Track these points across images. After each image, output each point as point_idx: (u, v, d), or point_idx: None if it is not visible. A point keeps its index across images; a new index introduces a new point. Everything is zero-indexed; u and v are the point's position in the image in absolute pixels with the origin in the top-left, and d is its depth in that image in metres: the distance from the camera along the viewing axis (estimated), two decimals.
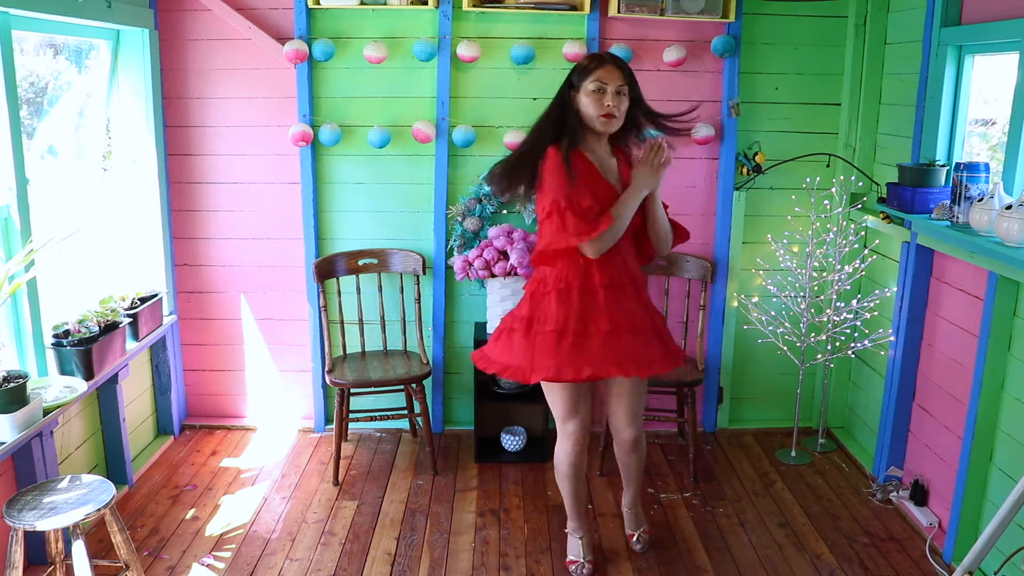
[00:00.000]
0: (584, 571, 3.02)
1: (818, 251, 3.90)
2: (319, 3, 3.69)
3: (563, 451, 2.95)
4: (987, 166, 3.03)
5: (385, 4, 3.70)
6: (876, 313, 3.82)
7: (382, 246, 4.03)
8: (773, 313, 4.02)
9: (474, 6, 3.69)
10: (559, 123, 2.74)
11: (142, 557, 3.08)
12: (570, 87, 2.75)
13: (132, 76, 3.71)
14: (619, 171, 2.82)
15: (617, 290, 2.76)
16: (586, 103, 2.69)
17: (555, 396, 2.89)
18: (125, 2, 3.45)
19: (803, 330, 3.90)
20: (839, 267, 3.83)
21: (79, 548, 2.49)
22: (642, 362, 2.78)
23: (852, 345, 3.89)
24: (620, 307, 2.76)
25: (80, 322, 3.11)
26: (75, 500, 2.54)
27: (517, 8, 3.75)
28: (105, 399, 3.43)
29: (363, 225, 4.03)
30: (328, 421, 4.20)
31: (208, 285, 4.10)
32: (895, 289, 3.63)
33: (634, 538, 3.20)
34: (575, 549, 3.07)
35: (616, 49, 3.77)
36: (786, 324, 3.96)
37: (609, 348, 2.72)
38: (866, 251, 3.83)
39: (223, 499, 3.54)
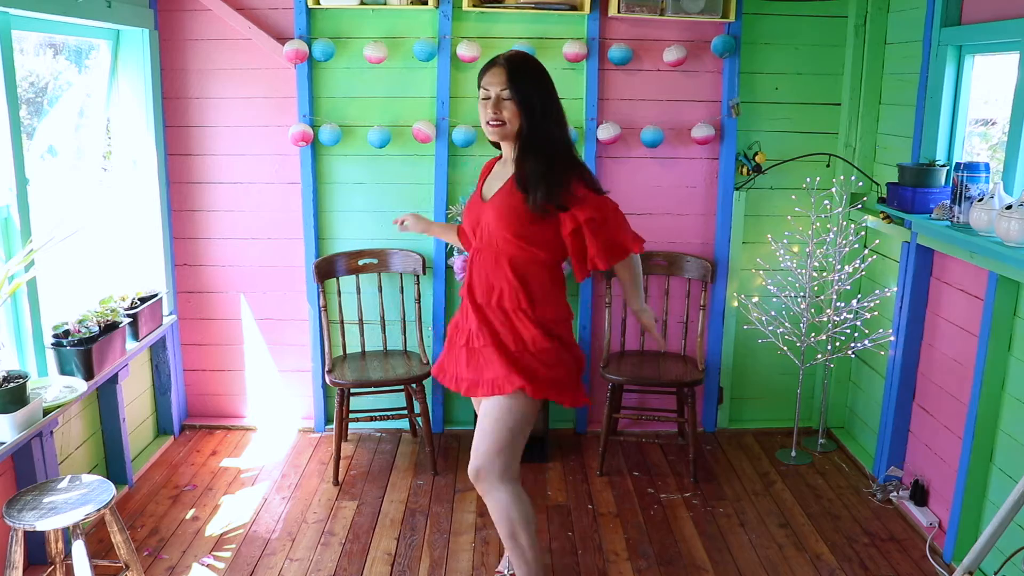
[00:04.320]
0: None
1: (818, 251, 3.90)
2: (319, 3, 3.69)
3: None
4: (987, 166, 3.03)
5: (385, 4, 3.70)
6: (876, 313, 3.82)
7: (382, 246, 4.03)
8: (773, 313, 4.02)
9: (474, 6, 3.69)
10: None
11: (142, 557, 3.08)
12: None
13: (132, 76, 3.71)
14: (505, 179, 2.58)
15: (470, 308, 2.62)
16: (480, 112, 2.54)
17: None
18: (125, 2, 3.45)
19: (803, 330, 3.90)
20: (839, 267, 3.83)
21: (79, 548, 2.49)
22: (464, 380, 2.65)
23: (852, 345, 3.89)
24: (467, 326, 2.64)
25: (80, 322, 3.11)
26: (75, 500, 2.54)
27: (517, 8, 3.75)
28: (105, 399, 3.43)
29: (363, 225, 4.03)
30: (328, 421, 4.20)
31: (208, 285, 4.10)
32: (895, 289, 3.63)
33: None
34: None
35: (616, 49, 3.77)
36: (786, 324, 3.96)
37: (455, 363, 2.69)
38: (866, 251, 3.83)
39: (223, 499, 3.54)
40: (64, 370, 3.05)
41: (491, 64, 2.52)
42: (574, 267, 2.59)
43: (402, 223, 2.91)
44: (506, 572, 2.97)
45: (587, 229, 2.49)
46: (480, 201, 2.64)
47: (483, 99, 2.51)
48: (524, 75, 2.49)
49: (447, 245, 3.98)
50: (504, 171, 2.62)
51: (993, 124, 3.34)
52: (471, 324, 2.62)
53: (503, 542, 2.69)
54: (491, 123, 2.50)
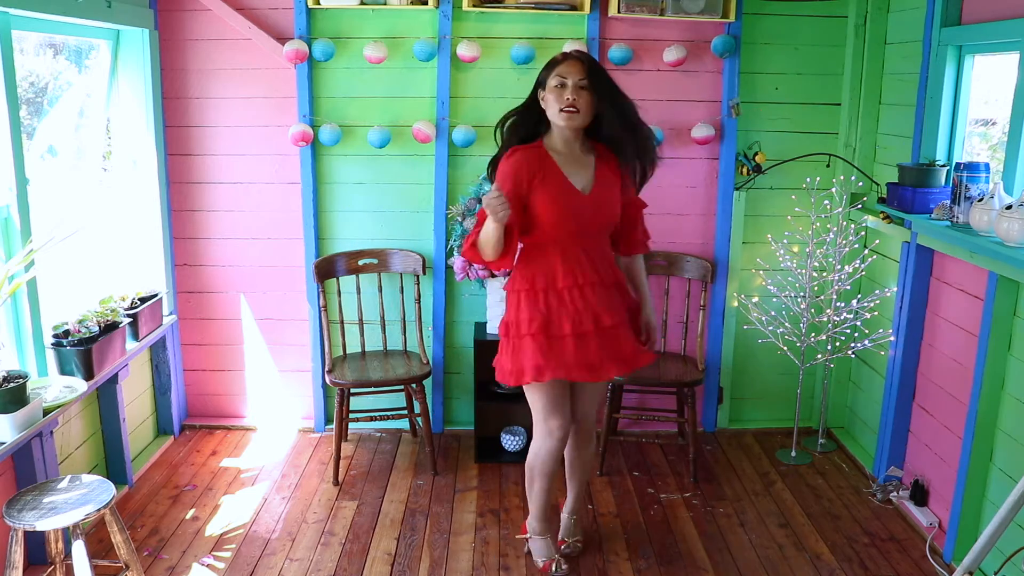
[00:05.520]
0: (563, 567, 3.01)
1: (818, 251, 3.90)
2: (319, 3, 3.69)
3: (545, 449, 2.88)
4: (987, 166, 3.03)
5: (385, 4, 3.70)
6: (876, 313, 3.82)
7: (382, 246, 4.03)
8: (773, 313, 4.02)
9: (474, 6, 3.69)
10: (525, 122, 2.78)
11: (142, 557, 3.08)
12: (539, 86, 2.75)
13: (132, 76, 3.71)
14: (594, 168, 2.76)
15: (583, 289, 2.73)
16: (549, 100, 2.68)
17: (535, 395, 2.85)
18: (125, 2, 3.45)
19: (803, 330, 3.90)
20: (839, 267, 3.83)
21: (79, 548, 2.49)
22: (609, 366, 2.76)
23: (852, 345, 3.89)
24: (587, 308, 2.73)
25: (80, 322, 3.11)
26: (75, 500, 2.54)
27: (517, 8, 3.75)
28: (105, 399, 3.43)
29: (363, 225, 4.03)
30: (328, 421, 4.20)
31: (208, 285, 4.10)
32: (895, 289, 3.63)
33: (564, 544, 3.14)
34: (546, 550, 3.06)
35: (616, 49, 3.77)
36: (786, 324, 3.96)
37: (579, 351, 2.72)
38: (866, 251, 3.83)
39: (223, 499, 3.54)
40: (64, 370, 3.05)
41: (565, 56, 2.72)
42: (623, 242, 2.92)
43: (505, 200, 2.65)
44: (570, 541, 3.17)
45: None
46: (579, 194, 2.72)
47: (557, 86, 2.66)
48: (599, 72, 2.70)
49: (447, 246, 3.98)
50: (585, 159, 2.77)
51: (993, 124, 3.34)
52: (591, 308, 2.73)
53: (578, 488, 3.13)
54: (566, 109, 2.65)
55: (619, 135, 2.73)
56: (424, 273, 3.96)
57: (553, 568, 3.01)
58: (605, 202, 2.75)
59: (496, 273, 3.73)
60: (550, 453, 2.89)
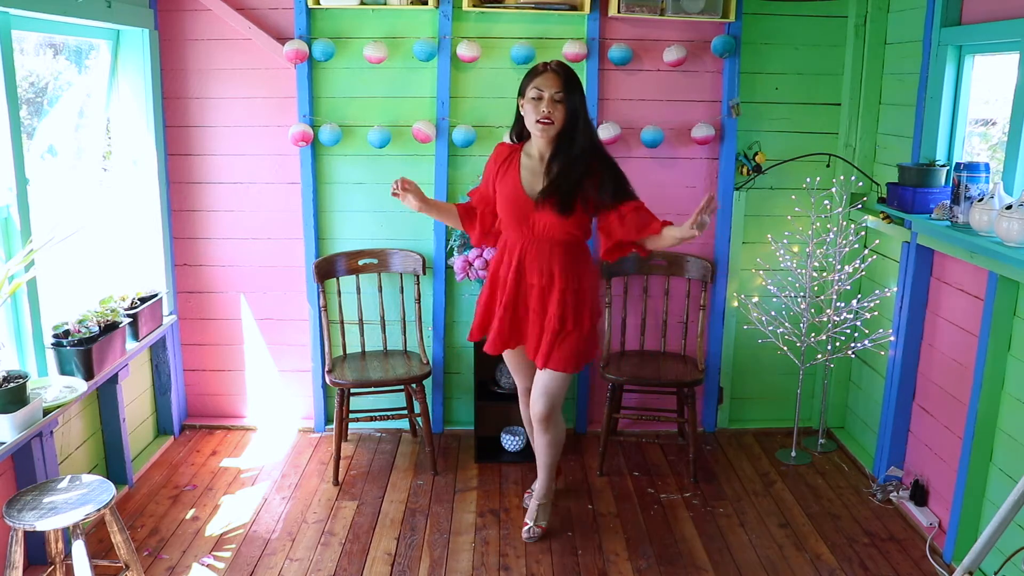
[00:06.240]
0: (527, 534, 3.31)
1: (818, 251, 3.90)
2: (319, 3, 3.69)
3: None
4: (987, 166, 3.03)
5: (385, 4, 3.70)
6: (876, 313, 3.82)
7: (382, 246, 4.03)
8: (773, 313, 4.02)
9: (474, 6, 3.69)
10: (519, 124, 3.02)
11: (142, 557, 3.08)
12: (520, 94, 2.94)
13: (132, 76, 3.71)
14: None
15: (530, 287, 3.02)
16: (527, 110, 2.90)
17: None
18: (125, 2, 3.45)
19: (803, 330, 3.90)
20: (839, 267, 3.83)
21: (79, 548, 2.50)
22: (501, 343, 3.10)
23: (852, 345, 3.89)
24: (519, 297, 3.04)
25: (80, 322, 3.11)
26: (75, 500, 2.54)
27: (517, 8, 3.75)
28: (105, 399, 3.43)
29: (363, 225, 4.03)
30: (328, 421, 4.20)
31: (208, 285, 4.10)
32: (895, 289, 3.63)
33: (525, 527, 3.28)
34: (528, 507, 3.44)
35: (616, 49, 3.77)
36: (786, 324, 3.96)
37: (501, 327, 3.08)
38: (866, 251, 3.83)
39: (223, 499, 3.55)
40: (64, 370, 3.05)
41: (544, 69, 2.88)
42: (606, 248, 3.02)
43: (402, 189, 3.01)
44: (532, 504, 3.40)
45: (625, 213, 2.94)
46: (526, 197, 2.96)
47: (535, 98, 2.86)
48: (575, 85, 2.87)
49: (447, 246, 3.98)
50: (542, 167, 2.97)
51: (993, 124, 3.34)
52: (522, 298, 3.04)
53: (545, 470, 3.24)
54: (541, 121, 2.85)
55: (574, 156, 2.91)
56: (424, 273, 3.96)
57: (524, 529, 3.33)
58: (549, 213, 2.93)
59: None
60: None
